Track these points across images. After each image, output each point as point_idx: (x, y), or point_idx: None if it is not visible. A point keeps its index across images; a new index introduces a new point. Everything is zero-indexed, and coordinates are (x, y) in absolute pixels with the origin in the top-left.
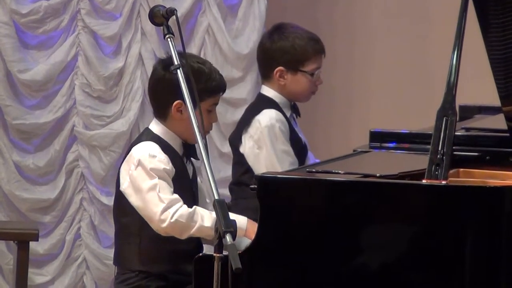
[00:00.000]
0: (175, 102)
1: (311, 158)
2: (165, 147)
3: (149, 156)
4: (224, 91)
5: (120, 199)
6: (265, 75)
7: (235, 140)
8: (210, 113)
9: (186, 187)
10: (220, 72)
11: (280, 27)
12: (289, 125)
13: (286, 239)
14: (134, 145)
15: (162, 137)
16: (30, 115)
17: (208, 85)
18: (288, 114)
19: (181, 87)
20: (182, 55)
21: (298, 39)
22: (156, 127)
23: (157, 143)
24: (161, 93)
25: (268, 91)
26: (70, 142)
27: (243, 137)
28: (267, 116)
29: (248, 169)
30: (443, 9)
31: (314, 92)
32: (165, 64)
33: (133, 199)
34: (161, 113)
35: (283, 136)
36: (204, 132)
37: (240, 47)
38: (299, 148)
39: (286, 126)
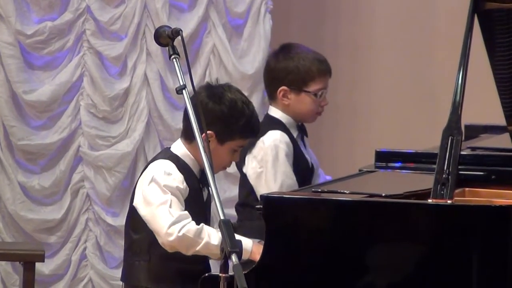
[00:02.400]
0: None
1: (322, 176)
2: (182, 166)
3: (164, 174)
4: (255, 137)
5: (133, 215)
6: (271, 95)
7: (239, 161)
8: (235, 153)
9: (199, 209)
10: None
11: (286, 47)
12: (295, 146)
13: (292, 259)
14: (151, 162)
15: (182, 158)
16: (35, 135)
17: (244, 128)
18: (295, 135)
19: (187, 108)
20: (228, 88)
21: (303, 59)
22: (178, 148)
23: (174, 162)
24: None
25: (275, 112)
26: (76, 162)
27: (246, 158)
28: (271, 137)
29: (252, 191)
30: (448, 28)
31: (320, 113)
32: (211, 93)
33: (143, 212)
34: (188, 136)
35: (285, 158)
36: (222, 168)
37: (245, 67)
38: (304, 169)
39: (290, 148)
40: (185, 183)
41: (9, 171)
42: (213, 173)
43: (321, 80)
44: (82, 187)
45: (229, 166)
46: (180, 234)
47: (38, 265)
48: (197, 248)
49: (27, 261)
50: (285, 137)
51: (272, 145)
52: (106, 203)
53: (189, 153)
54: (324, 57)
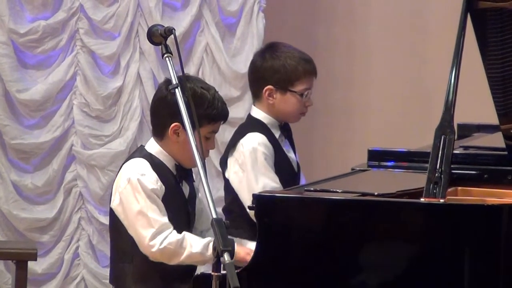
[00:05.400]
0: (173, 124)
1: (302, 180)
2: (157, 165)
3: (138, 174)
4: (225, 120)
5: (113, 217)
6: (255, 94)
7: (222, 164)
8: (208, 140)
9: (179, 207)
10: (218, 91)
11: (272, 46)
12: (277, 147)
13: (284, 258)
14: (126, 161)
15: (156, 155)
16: (28, 134)
17: (209, 112)
18: (277, 135)
19: (179, 108)
20: (187, 78)
21: (289, 58)
22: (151, 146)
23: (148, 161)
24: (161, 113)
25: (257, 113)
26: (69, 161)
27: (228, 161)
28: (249, 140)
29: (235, 197)
30: (441, 27)
31: (304, 113)
32: (169, 85)
33: (122, 217)
34: (158, 133)
35: (265, 161)
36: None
37: (238, 66)
38: (288, 170)
39: (270, 150)
40: (159, 182)
41: (2, 170)
42: (205, 172)
43: (307, 80)
44: (75, 186)
45: (207, 155)
46: (162, 246)
47: (30, 263)
48: (181, 259)
49: (20, 260)
50: (265, 139)
51: (250, 148)
52: (99, 202)
53: (162, 149)
54: (310, 57)
